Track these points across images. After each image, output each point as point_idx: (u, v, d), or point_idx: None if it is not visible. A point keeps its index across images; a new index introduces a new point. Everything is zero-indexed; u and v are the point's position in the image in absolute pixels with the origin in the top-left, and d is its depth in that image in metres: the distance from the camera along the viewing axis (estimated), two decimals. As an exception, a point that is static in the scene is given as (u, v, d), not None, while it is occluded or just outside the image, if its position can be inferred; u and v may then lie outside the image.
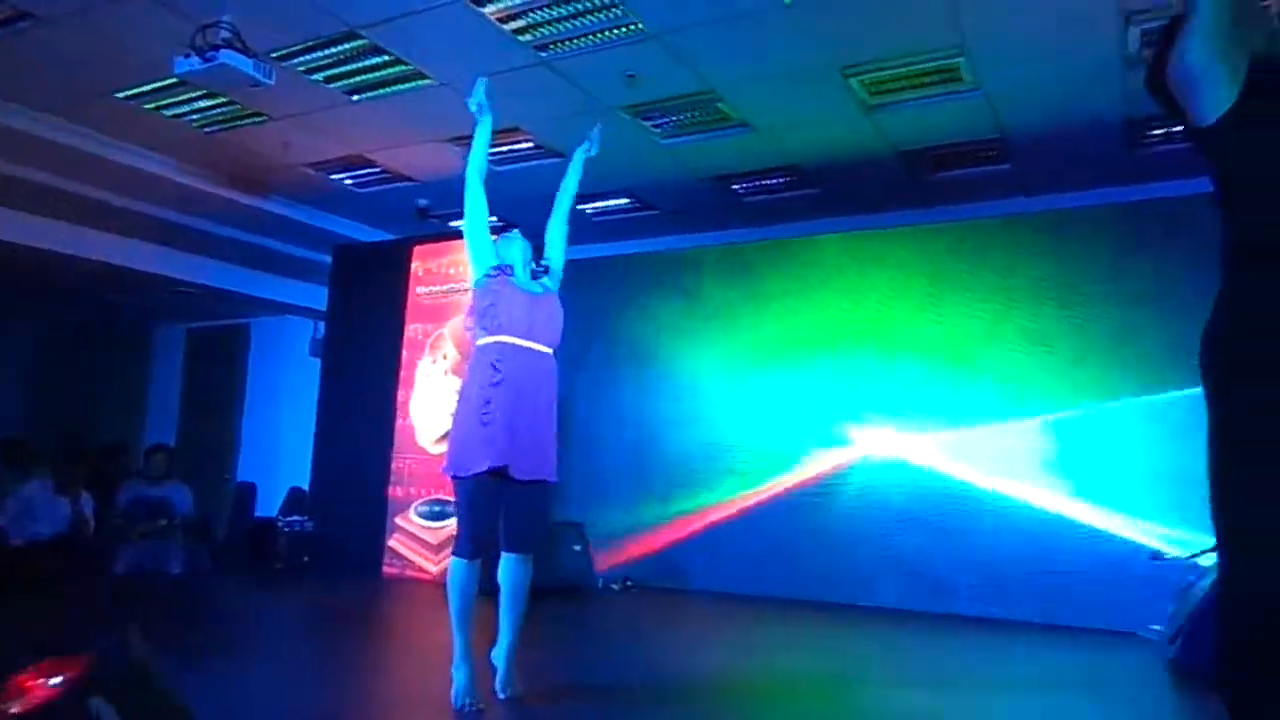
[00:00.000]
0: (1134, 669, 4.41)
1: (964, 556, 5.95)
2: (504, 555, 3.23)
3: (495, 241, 3.46)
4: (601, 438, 7.40)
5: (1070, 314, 5.93)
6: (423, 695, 3.41)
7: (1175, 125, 5.50)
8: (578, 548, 6.54)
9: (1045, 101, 5.29)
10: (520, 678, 3.27)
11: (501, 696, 3.19)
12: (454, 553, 3.18)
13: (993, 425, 6.02)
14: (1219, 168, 1.64)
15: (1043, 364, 5.95)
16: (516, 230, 3.55)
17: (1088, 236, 5.98)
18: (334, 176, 6.98)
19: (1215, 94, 1.57)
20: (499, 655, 3.25)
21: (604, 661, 4.31)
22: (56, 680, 1.74)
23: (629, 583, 6.73)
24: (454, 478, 3.15)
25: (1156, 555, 5.11)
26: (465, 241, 3.50)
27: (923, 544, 6.07)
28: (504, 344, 3.21)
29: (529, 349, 3.24)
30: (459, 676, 3.10)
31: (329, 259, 8.06)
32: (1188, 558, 4.78)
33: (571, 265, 7.78)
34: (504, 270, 3.36)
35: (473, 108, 3.49)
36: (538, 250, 3.57)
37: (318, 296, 8.58)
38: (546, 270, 3.54)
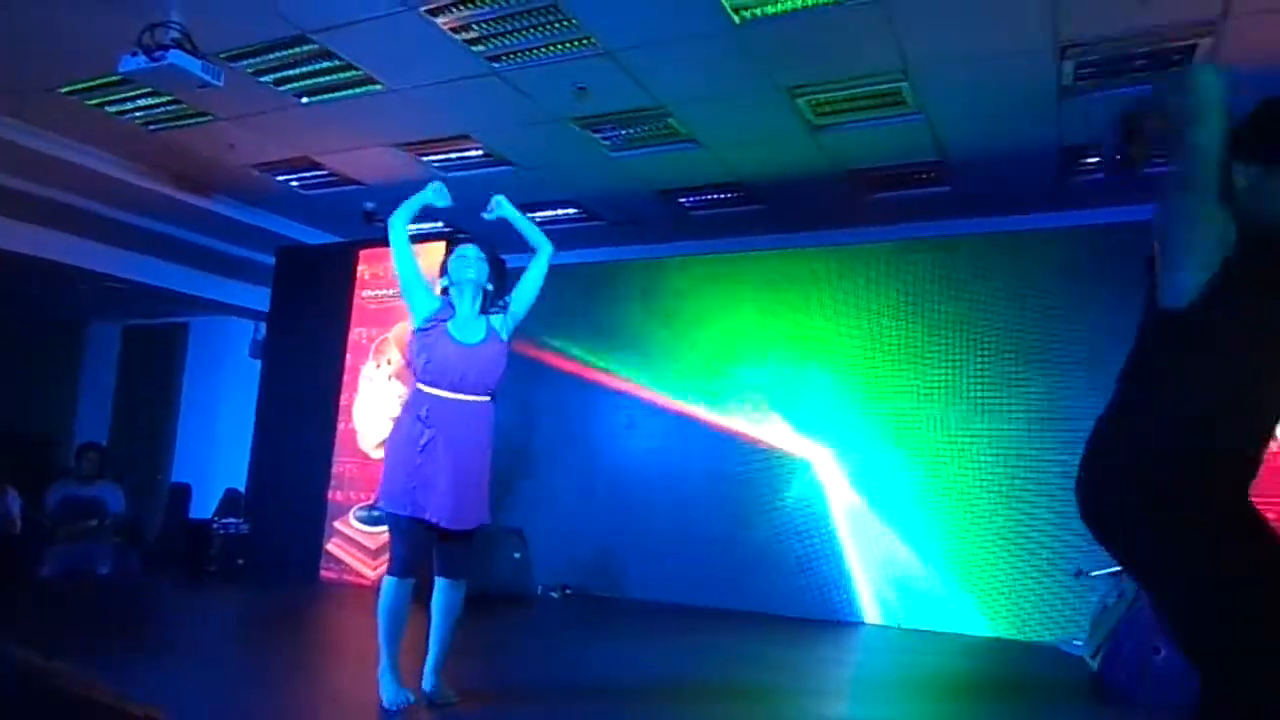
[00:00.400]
0: (1054, 682, 4.56)
1: (887, 570, 6.12)
2: (437, 579, 3.30)
3: (450, 259, 3.45)
4: (543, 445, 7.43)
5: (1000, 334, 6.14)
6: (353, 699, 3.41)
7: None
8: (517, 555, 6.56)
9: (984, 127, 5.47)
10: (450, 684, 3.32)
11: (435, 702, 3.25)
12: (388, 571, 3.23)
13: (922, 442, 6.19)
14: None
15: (964, 381, 6.16)
16: (473, 246, 3.46)
17: (1020, 259, 6.20)
18: (280, 178, 6.91)
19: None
20: (428, 669, 3.30)
21: (532, 667, 4.34)
22: None
23: (568, 590, 6.76)
24: (385, 510, 3.21)
25: (1080, 572, 5.30)
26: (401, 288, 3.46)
27: (853, 556, 6.22)
28: (434, 396, 3.24)
29: (459, 400, 3.26)
30: (386, 683, 3.18)
31: (272, 260, 7.97)
32: (1110, 573, 4.96)
33: (518, 272, 7.83)
34: (440, 320, 3.34)
35: (432, 196, 3.48)
36: (500, 264, 3.53)
37: (259, 297, 8.46)
38: (504, 307, 3.47)
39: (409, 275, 3.40)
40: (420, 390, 3.27)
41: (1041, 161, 5.85)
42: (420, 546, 3.22)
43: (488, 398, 3.34)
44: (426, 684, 3.27)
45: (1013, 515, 5.89)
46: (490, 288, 3.44)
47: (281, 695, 3.50)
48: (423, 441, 3.18)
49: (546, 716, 3.35)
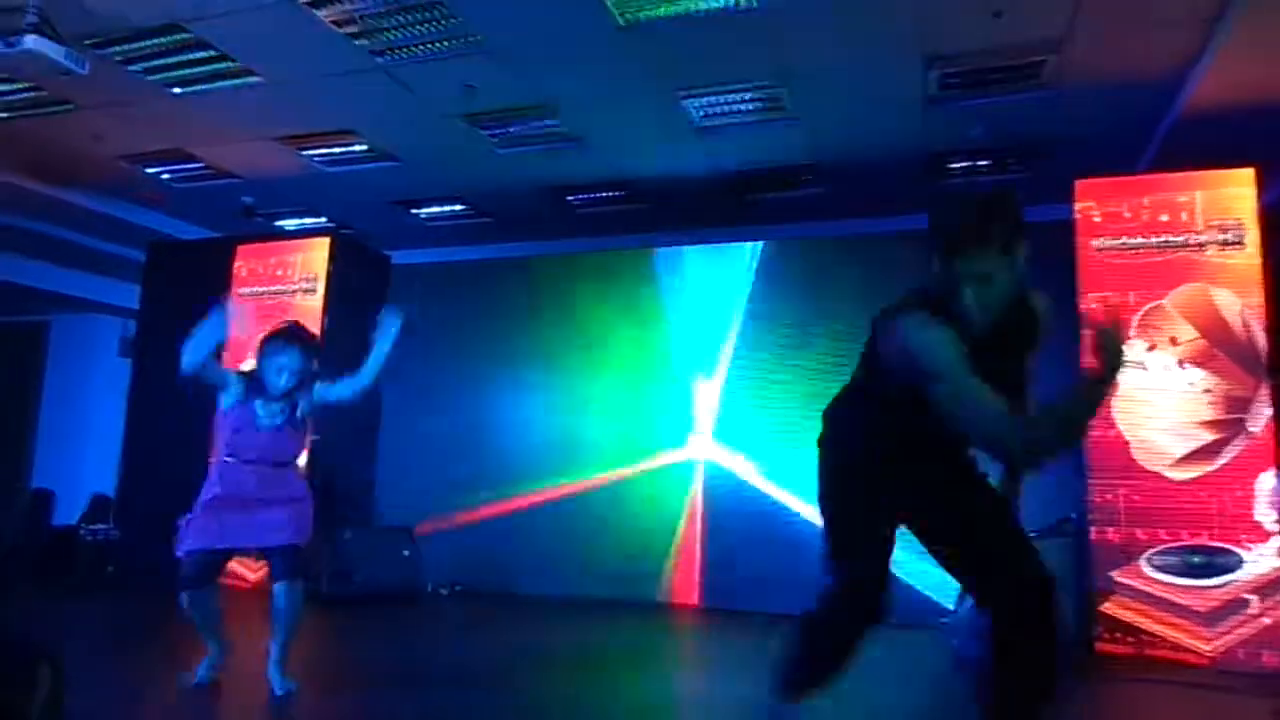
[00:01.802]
0: (921, 658, 4.84)
1: (765, 558, 6.33)
2: (274, 583, 3.57)
3: (267, 358, 3.58)
4: (432, 442, 7.37)
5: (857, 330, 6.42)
6: (233, 699, 3.36)
7: (974, 160, 6.12)
8: (406, 553, 6.50)
9: (856, 133, 5.74)
10: (302, 676, 3.58)
11: (278, 693, 3.45)
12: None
13: (791, 435, 6.43)
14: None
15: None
16: (294, 352, 3.58)
17: (890, 259, 6.50)
18: (150, 170, 6.63)
19: None
20: (271, 664, 3.52)
21: (394, 660, 4.34)
22: None
23: (457, 587, 6.74)
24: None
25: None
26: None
27: (728, 546, 6.42)
28: (239, 465, 3.58)
29: (261, 469, 3.60)
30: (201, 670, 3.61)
31: (142, 255, 7.62)
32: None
33: (403, 269, 7.76)
34: (248, 406, 3.57)
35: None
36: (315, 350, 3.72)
37: (128, 294, 8.08)
38: (309, 390, 3.66)
39: (211, 371, 3.60)
40: (226, 461, 3.60)
41: (910, 166, 6.18)
42: (205, 576, 3.60)
43: (288, 460, 3.69)
44: (270, 675, 3.52)
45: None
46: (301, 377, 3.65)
47: (160, 700, 3.40)
48: (217, 495, 3.58)
49: (412, 703, 3.42)
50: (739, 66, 4.94)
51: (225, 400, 3.62)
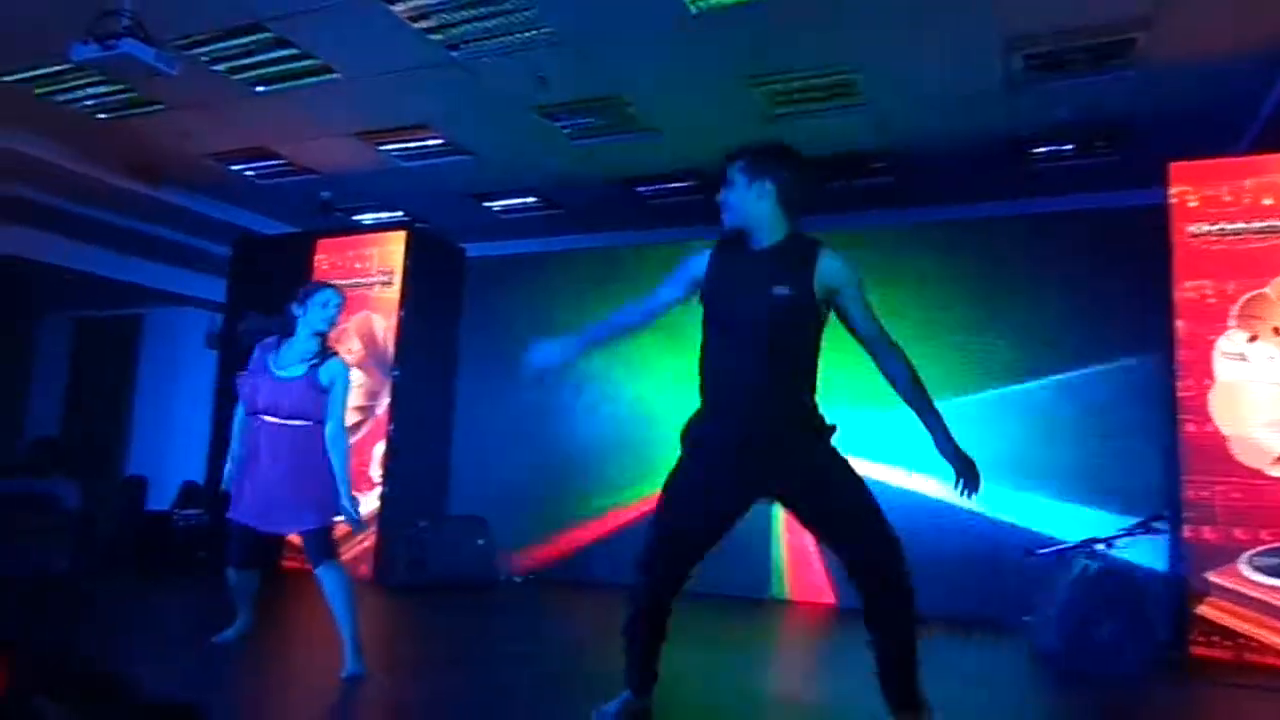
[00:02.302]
0: (1001, 657, 4.71)
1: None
2: (314, 569, 3.58)
3: (323, 299, 3.66)
4: (505, 433, 7.45)
5: (944, 314, 6.27)
6: (302, 679, 3.45)
7: (1058, 144, 5.91)
8: (480, 542, 6.58)
9: (932, 119, 5.59)
10: (378, 661, 3.62)
11: (345, 673, 3.47)
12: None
13: (869, 428, 6.31)
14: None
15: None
16: (327, 292, 3.69)
17: (963, 247, 6.34)
18: (235, 167, 6.84)
19: None
20: (348, 650, 3.53)
21: (466, 645, 4.39)
22: None
23: (531, 576, 6.81)
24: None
25: (1030, 552, 5.43)
26: None
27: (795, 537, 6.32)
28: (252, 420, 3.67)
29: (274, 424, 3.61)
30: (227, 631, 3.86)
31: (228, 251, 7.88)
32: (1056, 551, 5.11)
33: (476, 261, 7.85)
34: (263, 360, 3.70)
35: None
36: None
37: (215, 288, 8.36)
38: (328, 359, 3.68)
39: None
40: (244, 418, 3.75)
41: (989, 152, 5.99)
42: (245, 546, 3.72)
43: (307, 422, 3.64)
44: (345, 656, 3.54)
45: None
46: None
47: (255, 681, 3.51)
48: (242, 454, 3.74)
49: (479, 684, 3.44)
50: (811, 52, 4.85)
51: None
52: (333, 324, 3.68)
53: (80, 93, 5.57)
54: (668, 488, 2.85)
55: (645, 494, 6.89)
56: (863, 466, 2.83)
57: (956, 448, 2.70)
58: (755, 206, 2.77)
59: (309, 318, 3.62)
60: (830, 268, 2.70)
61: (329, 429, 3.62)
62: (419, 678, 3.79)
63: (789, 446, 2.71)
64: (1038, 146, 5.93)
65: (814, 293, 2.68)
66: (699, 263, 2.89)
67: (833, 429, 2.77)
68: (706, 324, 2.85)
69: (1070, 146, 5.92)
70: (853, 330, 2.76)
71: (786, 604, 6.30)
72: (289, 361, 3.64)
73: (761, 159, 2.82)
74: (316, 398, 3.63)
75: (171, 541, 6.89)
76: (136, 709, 1.95)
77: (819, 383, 2.80)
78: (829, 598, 6.20)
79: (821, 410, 2.80)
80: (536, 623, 5.45)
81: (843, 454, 2.77)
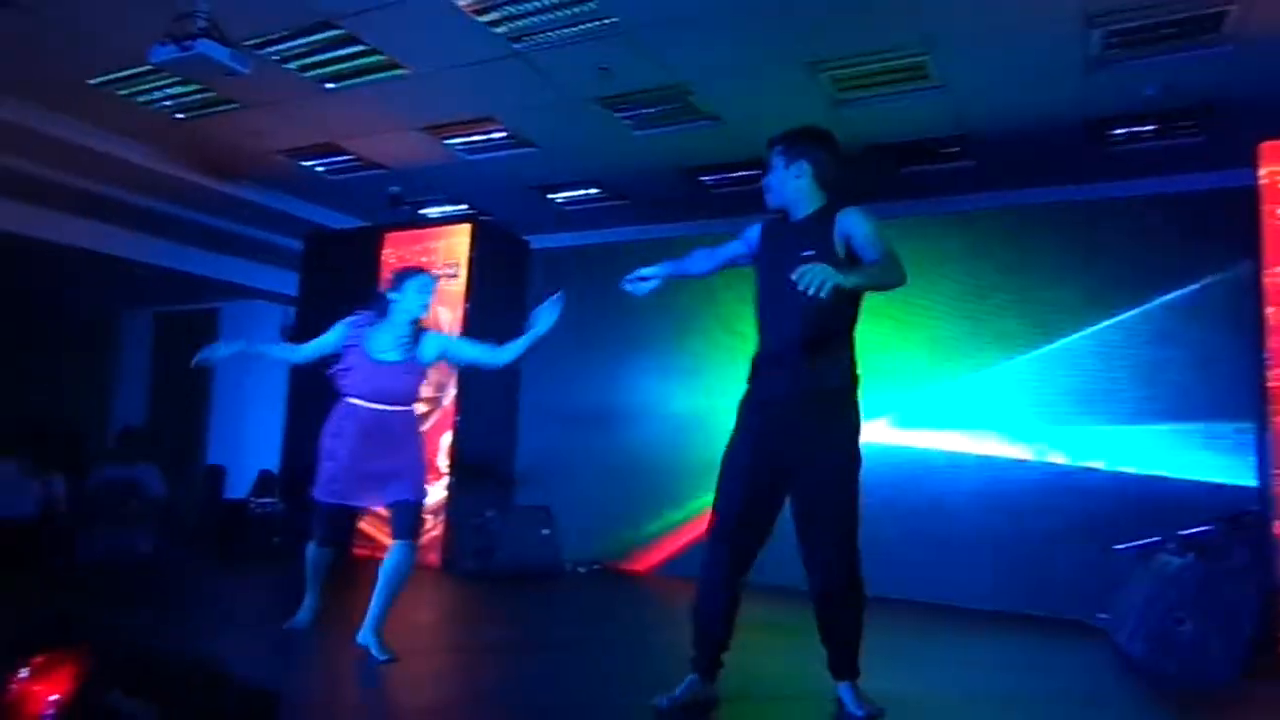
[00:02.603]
0: (1080, 656, 4.58)
1: (923, 540, 6.12)
2: (393, 540, 3.68)
3: (418, 283, 3.72)
4: (569, 424, 7.49)
5: (1023, 306, 6.10)
6: (397, 667, 3.52)
7: (1139, 126, 5.70)
8: (545, 531, 6.64)
9: (1008, 101, 5.43)
10: (443, 648, 3.86)
11: (377, 660, 3.52)
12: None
13: (948, 418, 6.18)
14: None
15: (1001, 356, 6.13)
16: (424, 277, 3.76)
17: (1045, 232, 6.15)
18: (306, 163, 6.99)
19: None
20: (367, 627, 3.62)
21: (551, 631, 4.42)
22: (57, 678, 1.69)
23: (596, 566, 6.85)
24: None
25: (1111, 549, 5.27)
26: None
27: (894, 531, 6.21)
28: (350, 403, 3.71)
29: (372, 409, 3.66)
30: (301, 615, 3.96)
31: (300, 245, 8.07)
32: (1137, 547, 4.95)
33: (541, 253, 7.90)
34: (358, 340, 3.64)
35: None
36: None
37: (288, 282, 8.58)
38: (425, 338, 3.76)
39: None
40: (340, 400, 3.77)
41: (1068, 133, 5.80)
42: (333, 526, 3.95)
43: (404, 407, 3.73)
44: (365, 637, 3.63)
45: (1040, 491, 5.88)
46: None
47: (324, 666, 3.59)
48: (335, 433, 3.80)
49: (539, 670, 3.43)
50: (878, 34, 4.75)
51: (332, 340, 3.75)
52: (428, 309, 3.72)
53: (160, 94, 5.75)
54: (722, 460, 3.16)
55: (707, 485, 6.87)
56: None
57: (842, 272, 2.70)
58: (793, 185, 3.07)
59: (407, 303, 3.65)
60: (844, 218, 2.96)
61: (484, 356, 3.78)
62: (487, 664, 3.84)
63: (807, 406, 2.97)
64: (1118, 127, 5.72)
65: (834, 248, 2.92)
66: (754, 231, 3.22)
67: (857, 386, 3.04)
68: (755, 296, 3.15)
69: (1154, 127, 5.69)
70: (861, 258, 2.90)
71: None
72: (385, 346, 3.65)
73: (797, 141, 3.11)
74: (415, 381, 3.70)
75: (248, 528, 7.10)
76: (212, 695, 1.99)
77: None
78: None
79: (859, 372, 3.05)
80: (600, 611, 5.48)
81: (858, 437, 3.03)
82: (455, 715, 3.11)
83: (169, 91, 5.72)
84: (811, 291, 2.52)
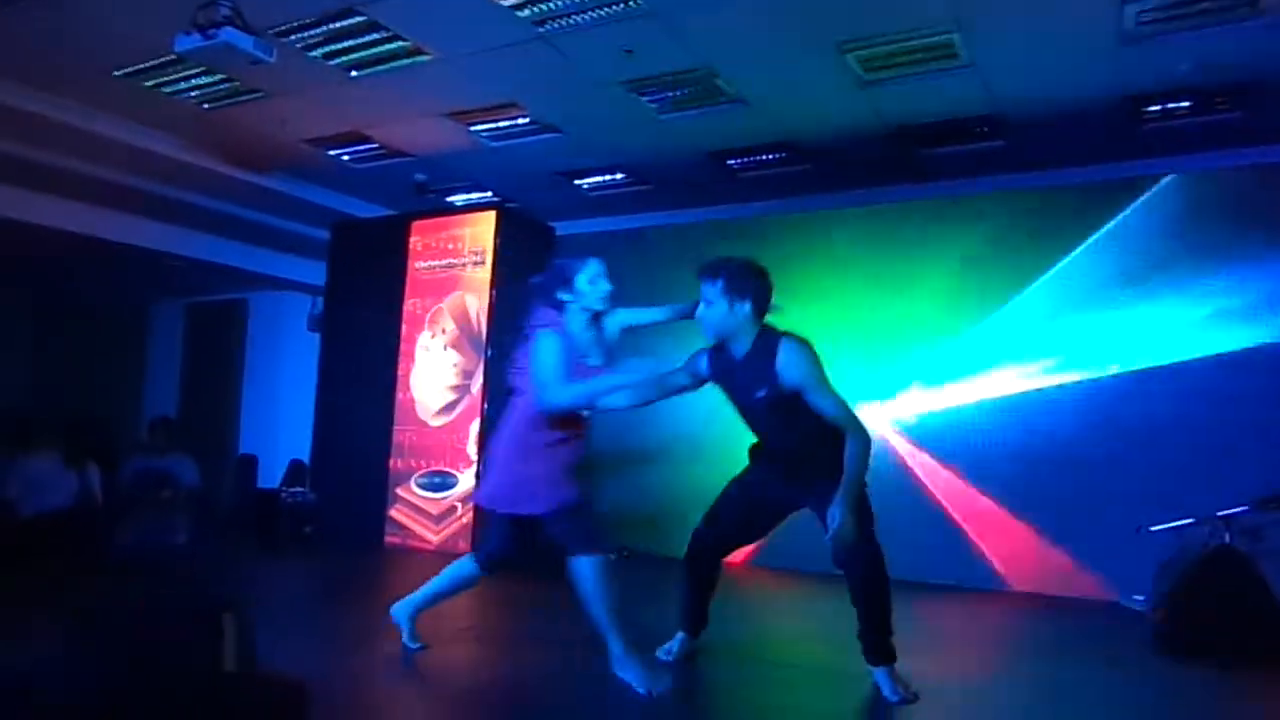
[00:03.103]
0: (1116, 638, 4.53)
1: (944, 525, 6.08)
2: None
3: (592, 272, 3.45)
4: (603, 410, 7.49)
5: (1065, 288, 6.02)
6: (433, 659, 3.53)
7: (1173, 103, 5.58)
8: (576, 519, 6.63)
9: (1039, 79, 5.33)
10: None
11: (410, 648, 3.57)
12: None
13: (981, 396, 6.12)
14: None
15: (1024, 334, 6.06)
16: (590, 264, 3.49)
17: (1080, 212, 6.05)
18: (331, 152, 7.01)
19: None
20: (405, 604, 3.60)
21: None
22: None
23: (625, 552, 6.84)
24: None
25: (1141, 528, 5.21)
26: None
27: (909, 517, 6.17)
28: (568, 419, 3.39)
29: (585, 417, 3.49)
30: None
31: (327, 234, 8.11)
32: (1170, 528, 4.88)
33: (567, 239, 7.89)
34: (568, 345, 3.34)
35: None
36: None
37: (316, 272, 8.63)
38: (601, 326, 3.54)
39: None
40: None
41: (1101, 112, 5.69)
42: (500, 542, 3.56)
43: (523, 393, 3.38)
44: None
45: (1071, 472, 5.81)
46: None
47: (365, 657, 3.62)
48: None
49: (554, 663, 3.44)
50: (905, 14, 4.67)
51: (544, 346, 3.25)
52: (607, 298, 3.45)
53: (185, 84, 5.78)
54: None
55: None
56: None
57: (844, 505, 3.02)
58: (733, 322, 3.22)
59: (587, 299, 3.39)
60: (786, 370, 3.13)
61: (649, 314, 3.74)
62: (515, 652, 3.85)
63: (812, 475, 3.23)
64: (1153, 104, 5.60)
65: (780, 385, 3.14)
66: (700, 363, 3.43)
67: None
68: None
69: (1189, 103, 5.57)
70: (821, 416, 3.13)
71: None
72: (588, 351, 3.41)
73: (739, 278, 3.21)
74: (529, 358, 3.36)
75: (280, 518, 7.17)
76: (243, 681, 2.00)
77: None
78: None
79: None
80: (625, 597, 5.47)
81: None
82: (484, 702, 3.11)
83: (195, 82, 5.75)
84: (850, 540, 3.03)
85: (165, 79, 5.70)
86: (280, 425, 9.56)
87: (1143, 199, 5.90)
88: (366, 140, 6.75)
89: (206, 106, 6.12)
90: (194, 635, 2.03)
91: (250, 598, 2.32)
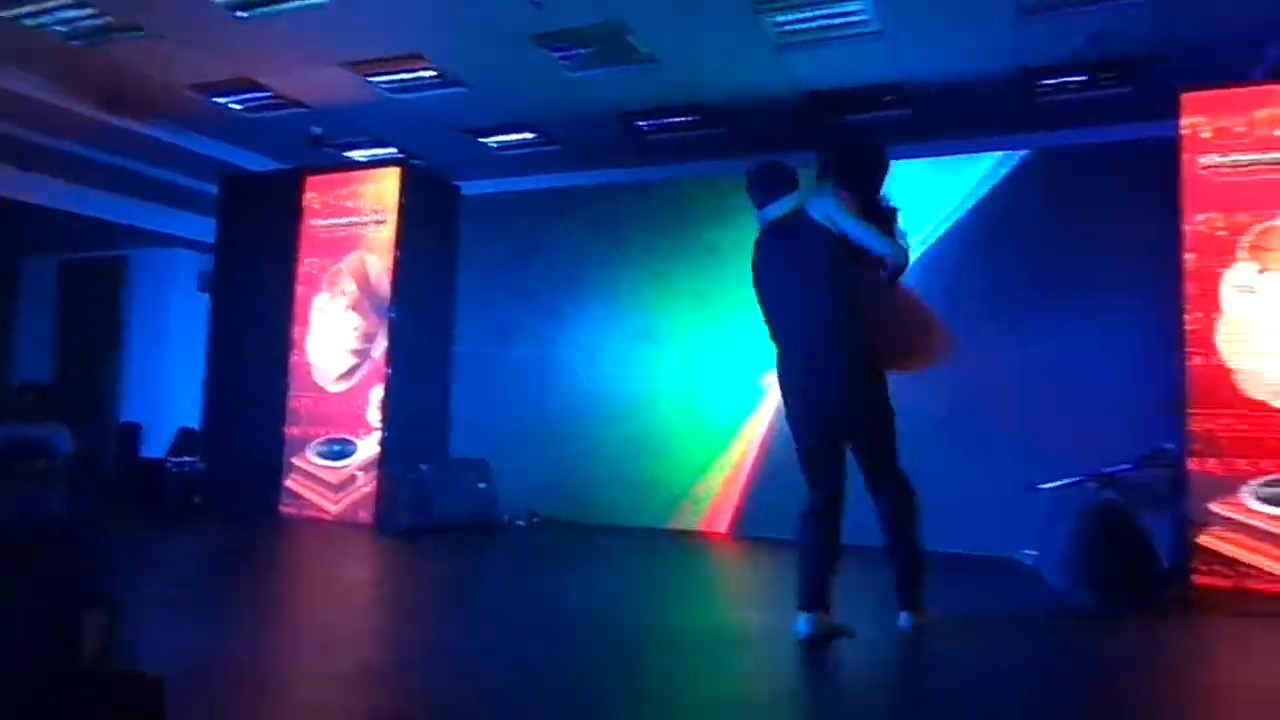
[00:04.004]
0: (1008, 591, 4.72)
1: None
2: None
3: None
4: (504, 374, 7.39)
5: (955, 256, 6.20)
6: (336, 633, 3.41)
7: (1070, 76, 5.77)
8: (482, 485, 6.56)
9: (942, 48, 5.43)
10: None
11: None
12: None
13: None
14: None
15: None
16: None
17: (981, 182, 6.23)
18: (220, 100, 6.62)
19: None
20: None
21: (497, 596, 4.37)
22: None
23: (535, 518, 6.80)
24: None
25: (1034, 486, 5.44)
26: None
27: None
28: None
29: None
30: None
31: (216, 189, 7.68)
32: (1061, 485, 5.11)
33: (474, 199, 7.71)
34: None
35: None
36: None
37: (205, 228, 8.18)
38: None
39: None
40: None
41: (999, 84, 5.84)
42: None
43: None
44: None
45: (963, 429, 6.02)
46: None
47: (258, 635, 3.45)
48: None
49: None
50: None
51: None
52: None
53: (49, 17, 5.28)
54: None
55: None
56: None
57: None
58: None
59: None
60: None
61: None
62: (417, 621, 3.75)
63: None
64: (1048, 78, 5.80)
65: None
66: None
67: None
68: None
69: (1080, 78, 5.78)
70: None
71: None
72: None
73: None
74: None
75: (166, 488, 6.84)
76: (89, 678, 1.89)
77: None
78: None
79: None
80: (531, 566, 5.44)
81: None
82: (385, 680, 3.00)
83: (61, 15, 5.27)
84: None
85: (25, 9, 5.21)
86: (167, 391, 9.10)
87: (1022, 169, 6.11)
88: (258, 88, 6.39)
89: (76, 44, 5.65)
90: (50, 634, 1.90)
91: (126, 577, 2.17)
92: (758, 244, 3.54)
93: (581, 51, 5.58)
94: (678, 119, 6.64)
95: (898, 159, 6.49)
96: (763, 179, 3.56)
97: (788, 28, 5.20)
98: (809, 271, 3.30)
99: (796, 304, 3.34)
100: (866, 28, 5.16)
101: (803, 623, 3.17)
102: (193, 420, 7.72)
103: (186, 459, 7.18)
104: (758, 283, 3.49)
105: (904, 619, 3.34)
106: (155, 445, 8.13)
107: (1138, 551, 4.19)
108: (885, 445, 3.38)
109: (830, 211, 3.27)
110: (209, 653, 2.97)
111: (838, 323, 3.26)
